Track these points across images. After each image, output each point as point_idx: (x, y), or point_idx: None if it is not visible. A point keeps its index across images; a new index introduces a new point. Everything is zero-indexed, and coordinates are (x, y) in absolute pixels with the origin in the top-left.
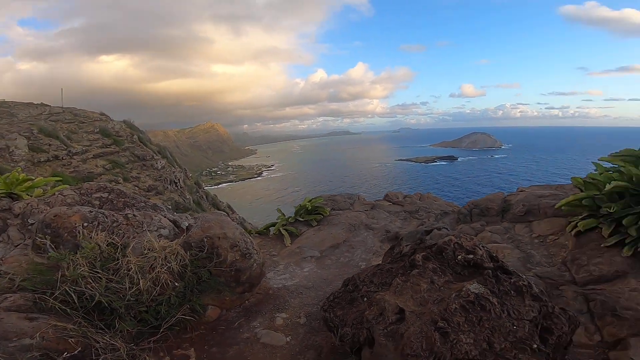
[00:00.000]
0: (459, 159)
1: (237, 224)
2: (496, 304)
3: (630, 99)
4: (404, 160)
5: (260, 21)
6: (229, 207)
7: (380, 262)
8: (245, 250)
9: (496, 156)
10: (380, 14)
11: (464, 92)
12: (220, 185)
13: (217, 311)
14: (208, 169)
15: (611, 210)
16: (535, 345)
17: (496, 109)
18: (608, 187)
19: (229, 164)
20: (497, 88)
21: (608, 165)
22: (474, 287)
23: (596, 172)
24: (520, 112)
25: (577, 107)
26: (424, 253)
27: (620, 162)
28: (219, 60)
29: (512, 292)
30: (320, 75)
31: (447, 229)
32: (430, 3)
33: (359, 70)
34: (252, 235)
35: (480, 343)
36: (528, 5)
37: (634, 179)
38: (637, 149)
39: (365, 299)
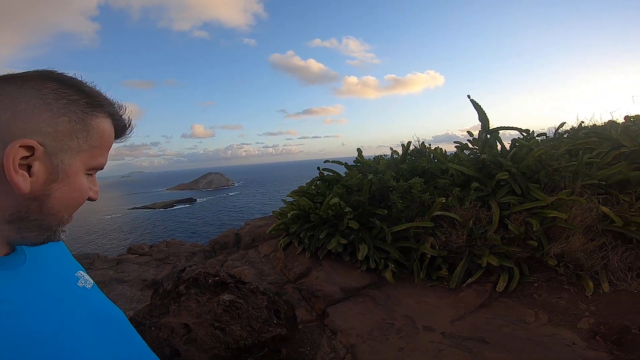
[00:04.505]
0: (197, 200)
1: None
2: (243, 302)
3: (313, 137)
4: (139, 208)
5: None
6: None
7: (149, 304)
8: None
9: (230, 194)
10: (105, 45)
11: (195, 132)
12: None
13: None
14: None
15: (293, 230)
16: (275, 321)
17: (225, 149)
18: (289, 215)
19: None
20: (224, 129)
21: (291, 199)
22: (226, 296)
23: (284, 206)
24: (244, 151)
25: (283, 145)
26: (184, 284)
27: (295, 196)
28: None
29: (249, 293)
30: None
31: (196, 265)
32: (158, 39)
33: None
34: None
35: (245, 328)
36: (246, 51)
37: (301, 208)
38: (305, 185)
39: (153, 328)
